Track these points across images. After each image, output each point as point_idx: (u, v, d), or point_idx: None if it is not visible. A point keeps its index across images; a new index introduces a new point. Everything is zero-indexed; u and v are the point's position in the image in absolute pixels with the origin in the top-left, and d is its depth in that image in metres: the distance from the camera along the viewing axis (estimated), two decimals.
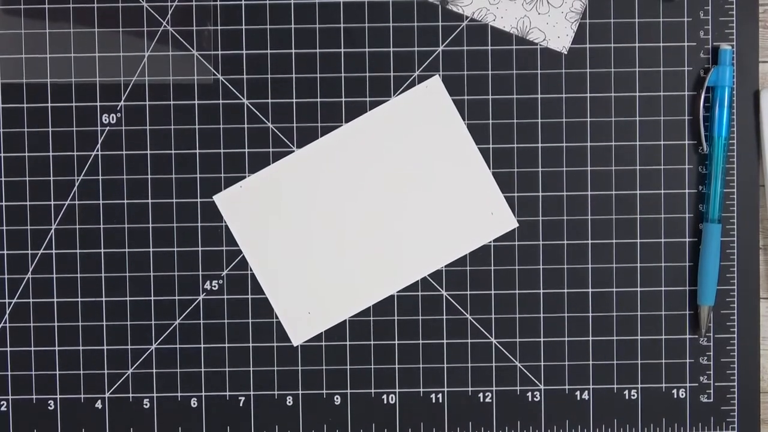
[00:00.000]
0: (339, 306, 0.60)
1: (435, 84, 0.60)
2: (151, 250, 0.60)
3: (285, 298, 0.60)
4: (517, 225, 0.60)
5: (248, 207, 0.60)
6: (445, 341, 0.60)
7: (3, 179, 0.60)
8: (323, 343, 0.60)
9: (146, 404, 0.61)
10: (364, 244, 0.60)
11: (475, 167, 0.60)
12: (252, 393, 0.60)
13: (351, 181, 0.60)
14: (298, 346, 0.60)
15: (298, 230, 0.60)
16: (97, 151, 0.60)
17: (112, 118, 0.60)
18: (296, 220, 0.60)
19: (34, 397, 0.60)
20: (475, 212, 0.60)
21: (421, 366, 0.60)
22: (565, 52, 0.60)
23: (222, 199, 0.60)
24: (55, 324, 0.60)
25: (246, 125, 0.60)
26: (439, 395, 0.61)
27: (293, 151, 0.60)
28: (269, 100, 0.60)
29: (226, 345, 0.60)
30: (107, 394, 0.61)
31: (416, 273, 0.60)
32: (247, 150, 0.60)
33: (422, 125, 0.60)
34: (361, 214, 0.60)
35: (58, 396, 0.60)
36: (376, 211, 0.60)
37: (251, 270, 0.60)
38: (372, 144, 0.60)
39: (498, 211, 0.60)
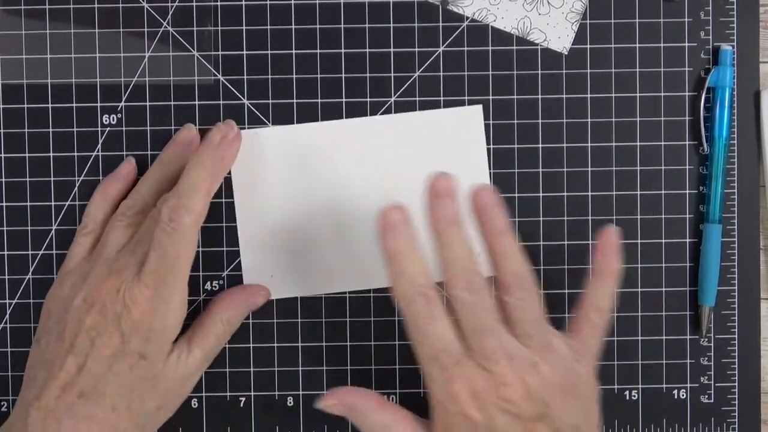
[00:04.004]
0: (302, 281, 0.60)
1: (475, 111, 0.59)
2: None
3: (254, 253, 0.60)
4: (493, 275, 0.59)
5: (255, 154, 0.59)
6: None
7: (4, 180, 0.60)
8: (324, 344, 0.60)
9: None
10: (355, 234, 0.59)
11: None
12: (252, 393, 0.60)
13: (363, 169, 0.59)
14: (298, 345, 0.60)
15: (295, 196, 0.59)
16: (98, 151, 0.60)
17: (113, 118, 0.60)
18: (296, 187, 0.59)
19: None
20: None
21: None
22: (566, 53, 0.60)
23: None
24: None
25: (246, 126, 0.60)
26: None
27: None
28: (270, 101, 0.60)
29: (227, 345, 0.60)
30: None
31: None
32: None
33: (448, 145, 0.59)
34: (360, 205, 0.60)
35: None
36: (373, 207, 0.60)
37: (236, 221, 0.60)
38: (393, 143, 0.59)
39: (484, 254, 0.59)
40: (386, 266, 0.51)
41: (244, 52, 0.60)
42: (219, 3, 0.60)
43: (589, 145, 0.60)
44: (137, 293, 0.53)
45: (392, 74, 0.60)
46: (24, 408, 0.53)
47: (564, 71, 0.60)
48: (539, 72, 0.60)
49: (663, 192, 0.60)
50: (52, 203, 0.60)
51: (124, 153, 0.60)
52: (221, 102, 0.60)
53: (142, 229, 0.56)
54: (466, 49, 0.60)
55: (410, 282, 0.51)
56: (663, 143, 0.60)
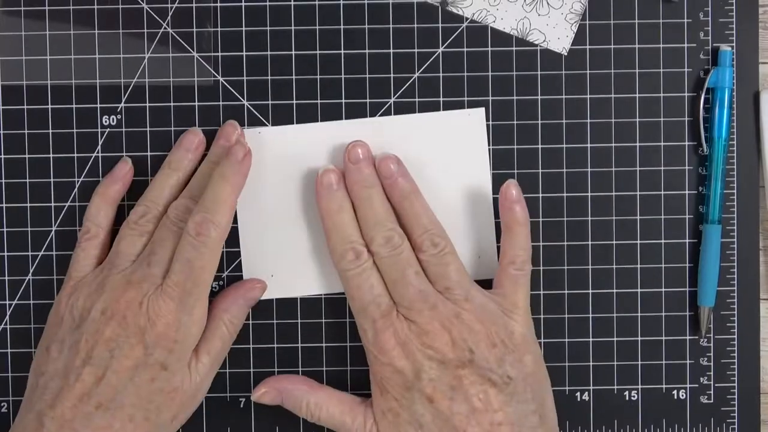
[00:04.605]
0: (301, 281, 0.60)
1: (477, 115, 0.59)
2: None
3: (254, 253, 0.60)
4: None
5: (257, 154, 0.59)
6: None
7: (3, 181, 0.60)
8: (324, 345, 0.60)
9: None
10: None
11: (482, 207, 0.59)
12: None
13: None
14: (298, 346, 0.60)
15: (296, 197, 0.59)
16: (98, 152, 0.60)
17: (113, 119, 0.60)
18: (297, 187, 0.59)
19: None
20: (463, 248, 0.59)
21: None
22: (565, 54, 0.60)
23: None
24: None
25: (246, 127, 0.60)
26: None
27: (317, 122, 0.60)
28: (269, 102, 0.60)
29: None
30: None
31: None
32: None
33: (449, 147, 0.59)
34: None
35: None
36: None
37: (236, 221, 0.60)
38: (395, 144, 0.59)
39: (486, 256, 0.60)
40: (322, 224, 0.56)
41: (244, 53, 0.60)
42: (219, 4, 0.60)
43: (589, 145, 0.60)
44: (162, 305, 0.53)
45: (392, 75, 0.60)
46: (37, 417, 0.53)
47: (563, 72, 0.60)
48: (539, 73, 0.60)
49: (662, 192, 0.60)
50: (52, 204, 0.60)
51: (124, 154, 0.60)
52: (221, 103, 0.60)
53: (155, 238, 0.56)
54: (465, 49, 0.60)
55: (342, 238, 0.55)
56: (662, 144, 0.60)
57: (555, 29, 0.60)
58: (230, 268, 0.60)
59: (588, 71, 0.60)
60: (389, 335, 0.53)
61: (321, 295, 0.60)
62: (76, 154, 0.60)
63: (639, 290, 0.60)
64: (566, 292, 0.60)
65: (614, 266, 0.60)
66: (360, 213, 0.56)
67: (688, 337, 0.61)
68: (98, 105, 0.60)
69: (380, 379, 0.54)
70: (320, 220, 0.56)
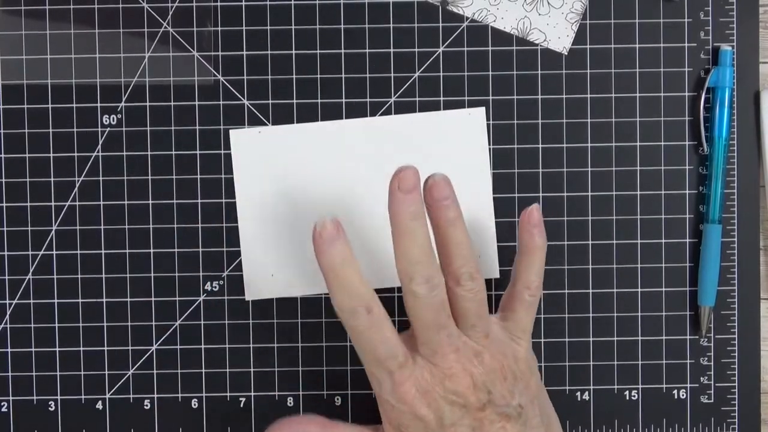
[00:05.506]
0: (301, 281, 0.60)
1: (478, 114, 0.59)
2: (151, 250, 0.60)
3: (255, 253, 0.60)
4: (498, 276, 0.60)
5: (257, 154, 0.59)
6: None
7: (4, 180, 0.60)
8: (324, 344, 0.60)
9: (147, 405, 0.61)
10: (355, 235, 0.59)
11: (482, 208, 0.59)
12: (252, 394, 0.60)
13: (364, 170, 0.59)
14: (298, 346, 0.60)
15: (296, 196, 0.59)
16: (98, 152, 0.60)
17: (113, 119, 0.60)
18: (297, 187, 0.59)
19: (34, 398, 0.61)
20: None
21: None
22: (566, 53, 0.60)
23: (237, 136, 0.60)
24: (56, 325, 0.60)
25: (247, 126, 0.60)
26: None
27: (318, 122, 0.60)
28: (270, 101, 0.60)
29: (227, 346, 0.60)
30: (108, 395, 0.61)
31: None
32: None
33: (450, 146, 0.59)
34: (361, 205, 0.60)
35: (59, 397, 0.61)
36: (374, 208, 0.60)
37: (237, 221, 0.60)
38: (395, 143, 0.59)
39: (486, 256, 0.60)
40: (325, 280, 0.51)
41: (244, 52, 0.60)
42: (219, 3, 0.60)
43: (589, 145, 0.60)
44: None
45: (392, 74, 0.60)
46: None
47: (564, 71, 0.60)
48: (539, 72, 0.60)
49: (663, 192, 0.60)
50: (52, 203, 0.60)
51: (124, 153, 0.60)
52: (221, 102, 0.60)
53: None
54: (466, 49, 0.60)
55: (350, 295, 0.50)
56: (663, 143, 0.60)
57: (555, 29, 0.60)
58: (230, 268, 0.60)
59: (588, 71, 0.60)
60: (410, 385, 0.51)
61: (321, 294, 0.60)
62: (76, 154, 0.60)
63: (639, 290, 0.60)
64: (566, 291, 0.60)
65: (614, 266, 0.60)
66: (401, 246, 0.51)
67: (688, 337, 0.61)
68: (98, 104, 0.60)
69: (398, 425, 0.53)
70: (323, 274, 0.51)
